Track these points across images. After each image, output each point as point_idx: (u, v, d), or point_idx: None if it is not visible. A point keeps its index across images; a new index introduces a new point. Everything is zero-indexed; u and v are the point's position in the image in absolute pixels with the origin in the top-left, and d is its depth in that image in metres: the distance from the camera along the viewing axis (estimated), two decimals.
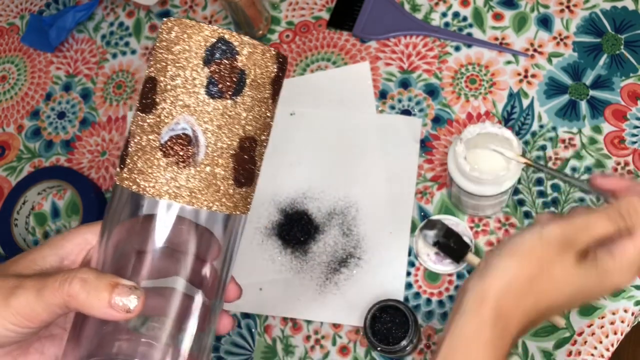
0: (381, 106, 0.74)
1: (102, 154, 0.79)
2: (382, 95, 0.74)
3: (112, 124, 0.80)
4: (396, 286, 0.66)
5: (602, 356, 0.61)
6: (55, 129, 0.82)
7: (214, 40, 0.32)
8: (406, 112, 0.73)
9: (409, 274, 0.67)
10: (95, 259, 0.35)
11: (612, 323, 0.61)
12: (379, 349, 0.61)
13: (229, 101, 0.33)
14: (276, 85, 0.35)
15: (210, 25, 0.32)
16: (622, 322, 0.61)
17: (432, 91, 0.73)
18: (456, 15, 0.76)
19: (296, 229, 0.70)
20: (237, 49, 0.32)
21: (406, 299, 0.66)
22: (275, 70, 0.35)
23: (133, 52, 0.83)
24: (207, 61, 0.32)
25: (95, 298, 0.31)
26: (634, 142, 0.67)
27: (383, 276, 0.67)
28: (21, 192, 0.77)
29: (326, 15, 0.79)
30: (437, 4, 0.77)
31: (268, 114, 0.35)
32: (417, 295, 0.66)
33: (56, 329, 0.37)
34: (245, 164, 0.34)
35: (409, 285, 0.67)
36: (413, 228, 0.68)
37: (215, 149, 0.33)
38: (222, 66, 0.32)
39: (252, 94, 0.33)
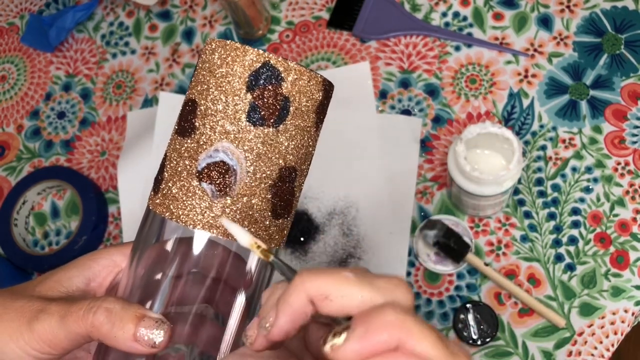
0: (381, 106, 0.74)
1: (102, 154, 0.79)
2: (382, 95, 0.74)
3: (112, 124, 0.80)
4: None
5: (603, 356, 0.61)
6: (55, 129, 0.82)
7: (258, 64, 0.31)
8: (406, 112, 0.73)
9: (409, 274, 0.67)
10: (124, 282, 0.34)
11: (612, 323, 0.61)
12: None
13: (270, 129, 0.31)
14: (320, 113, 0.33)
15: (255, 49, 0.31)
16: (623, 322, 0.61)
17: (432, 91, 0.73)
18: (456, 15, 0.76)
19: (296, 229, 0.70)
20: (282, 74, 0.31)
21: None
22: (321, 97, 0.33)
23: (133, 52, 0.83)
24: (251, 86, 0.31)
25: (120, 330, 0.30)
26: (634, 142, 0.67)
27: None
28: (21, 192, 0.77)
29: (326, 15, 0.79)
30: (437, 3, 0.77)
31: (310, 143, 0.33)
32: (417, 295, 0.66)
33: (80, 352, 0.36)
34: (284, 195, 0.32)
35: (409, 286, 0.66)
36: (413, 228, 0.68)
37: (253, 179, 0.31)
38: (265, 92, 0.31)
39: (295, 123, 0.32)
